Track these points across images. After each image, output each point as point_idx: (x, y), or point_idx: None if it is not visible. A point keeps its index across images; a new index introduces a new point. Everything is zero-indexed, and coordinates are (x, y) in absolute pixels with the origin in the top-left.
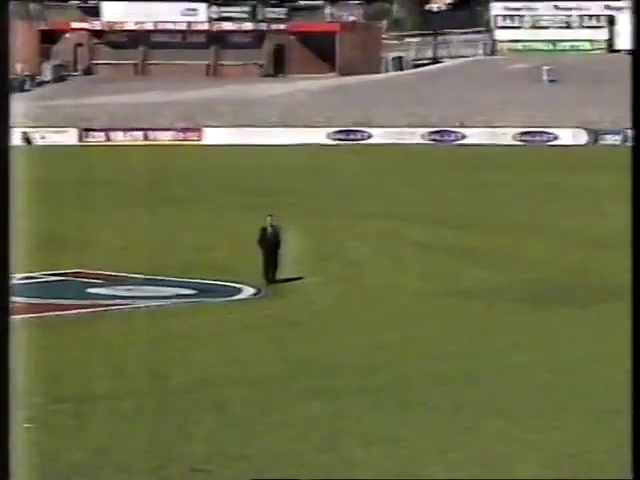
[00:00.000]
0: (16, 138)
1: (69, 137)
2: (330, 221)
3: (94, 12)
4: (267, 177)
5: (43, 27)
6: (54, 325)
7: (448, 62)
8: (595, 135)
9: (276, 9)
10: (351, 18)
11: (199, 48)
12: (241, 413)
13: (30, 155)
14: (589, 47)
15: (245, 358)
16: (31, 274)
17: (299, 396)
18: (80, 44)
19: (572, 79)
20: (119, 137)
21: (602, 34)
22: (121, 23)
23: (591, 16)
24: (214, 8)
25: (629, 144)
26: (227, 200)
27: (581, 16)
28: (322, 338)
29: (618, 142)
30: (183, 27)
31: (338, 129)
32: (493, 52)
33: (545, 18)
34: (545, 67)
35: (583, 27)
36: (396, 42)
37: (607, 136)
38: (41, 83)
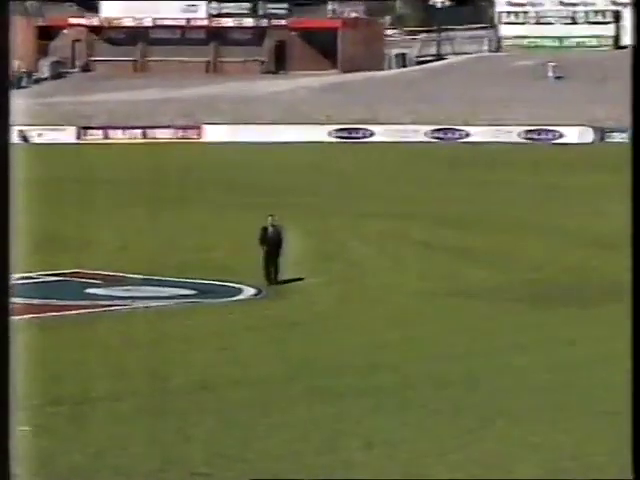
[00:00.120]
0: (13, 136)
1: (67, 135)
2: (331, 220)
3: (92, 8)
4: (268, 176)
5: (40, 23)
6: (52, 326)
7: (452, 59)
8: (601, 133)
9: (277, 5)
10: (353, 14)
11: (199, 45)
12: (241, 415)
13: (27, 153)
14: (595, 43)
15: (245, 359)
16: (29, 274)
17: (299, 397)
18: (78, 40)
19: (578, 76)
20: (118, 135)
21: (608, 30)
22: (119, 19)
23: (597, 12)
24: (214, 4)
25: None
26: (227, 199)
27: (587, 12)
28: (323, 339)
29: (625, 140)
30: (182, 23)
31: (340, 127)
32: (498, 49)
33: (550, 14)
34: (551, 64)
35: (589, 23)
36: (399, 38)
37: (614, 134)
38: (38, 80)
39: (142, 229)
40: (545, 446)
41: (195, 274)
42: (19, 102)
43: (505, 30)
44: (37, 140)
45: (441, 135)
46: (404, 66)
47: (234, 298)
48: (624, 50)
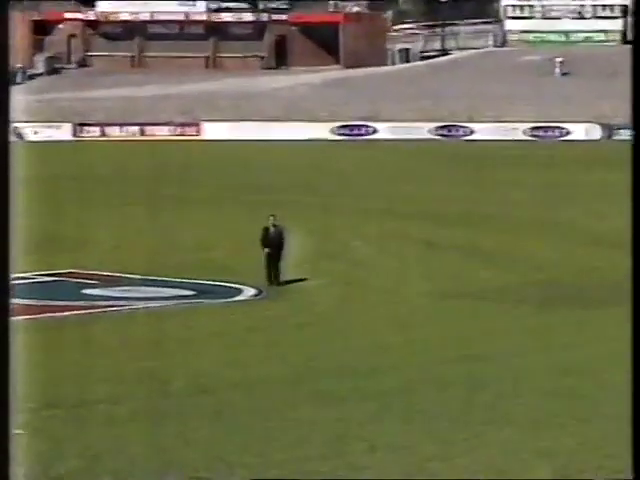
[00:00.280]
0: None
1: (63, 132)
2: (333, 220)
3: (88, 2)
4: (268, 174)
5: (35, 17)
6: (48, 327)
7: (456, 54)
8: (609, 130)
9: None
10: (355, 8)
11: (198, 40)
12: (241, 418)
13: (22, 151)
14: (603, 38)
15: (246, 361)
16: (24, 274)
17: (301, 400)
18: (74, 35)
19: (585, 72)
20: (115, 132)
21: (616, 25)
22: (116, 13)
23: (605, 6)
24: None
25: None
26: (227, 197)
27: (594, 6)
28: (325, 340)
29: None
30: (181, 18)
31: (342, 124)
32: (503, 43)
33: (557, 8)
34: (557, 59)
35: (597, 17)
36: (402, 33)
37: (622, 131)
38: (33, 76)
39: (140, 228)
40: (554, 452)
41: (194, 274)
42: (14, 99)
43: (511, 24)
44: (32, 137)
45: (445, 132)
46: (407, 61)
47: (234, 299)
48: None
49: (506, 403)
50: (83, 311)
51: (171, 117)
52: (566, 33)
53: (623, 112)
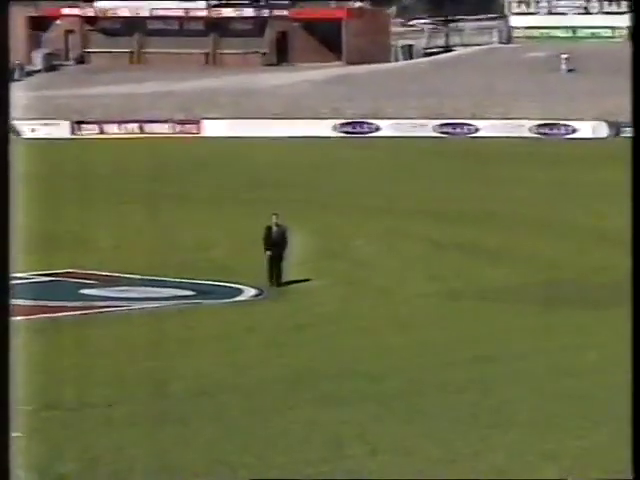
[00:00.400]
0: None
1: (60, 130)
2: (336, 218)
3: None
4: (269, 172)
5: (32, 13)
6: (44, 328)
7: (461, 50)
8: (616, 128)
9: None
10: (358, 4)
11: (198, 36)
12: (242, 421)
13: (19, 149)
14: (610, 34)
15: (246, 363)
16: (21, 274)
17: (302, 403)
18: (72, 31)
19: (592, 68)
20: (113, 130)
21: (623, 20)
22: (115, 9)
23: (611, 1)
24: None
25: None
26: (227, 196)
27: (601, 1)
28: (327, 342)
29: None
30: (181, 13)
31: (344, 121)
32: (508, 40)
33: (563, 4)
34: (563, 55)
35: (603, 13)
36: (406, 29)
37: (629, 129)
38: (31, 73)
39: (139, 227)
40: (563, 455)
41: (194, 274)
42: (10, 95)
43: (516, 20)
44: (30, 135)
45: (449, 130)
46: (411, 58)
47: (234, 299)
48: None
49: (512, 405)
50: (80, 312)
51: (171, 114)
52: (572, 29)
53: (630, 109)
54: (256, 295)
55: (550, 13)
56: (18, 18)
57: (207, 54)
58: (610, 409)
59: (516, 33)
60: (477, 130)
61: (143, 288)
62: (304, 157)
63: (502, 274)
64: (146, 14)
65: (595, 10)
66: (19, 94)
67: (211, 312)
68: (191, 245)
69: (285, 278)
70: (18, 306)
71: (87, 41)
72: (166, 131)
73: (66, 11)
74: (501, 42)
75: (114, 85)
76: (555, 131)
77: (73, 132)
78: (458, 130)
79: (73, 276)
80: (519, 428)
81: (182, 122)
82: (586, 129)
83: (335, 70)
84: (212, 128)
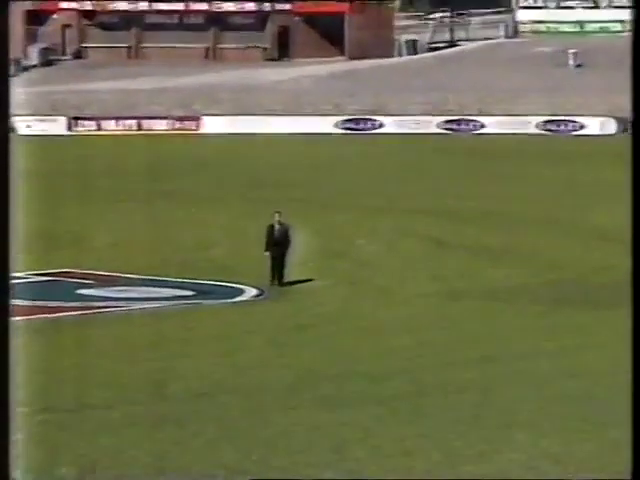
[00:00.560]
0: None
1: (57, 126)
2: (338, 217)
3: None
4: (270, 169)
5: (29, 7)
6: (41, 329)
7: (466, 45)
8: (625, 124)
9: None
10: None
11: (197, 30)
12: (242, 423)
13: (15, 145)
14: (619, 28)
15: (247, 364)
16: (17, 274)
17: (304, 405)
18: (69, 25)
19: (600, 63)
20: (111, 126)
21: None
22: (113, 3)
23: None
24: None
25: None
26: (227, 194)
27: None
28: (329, 343)
29: None
30: (180, 7)
31: (347, 118)
32: (515, 34)
33: None
34: (571, 50)
35: (612, 7)
36: (410, 23)
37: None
38: (27, 68)
39: (137, 225)
40: (569, 458)
41: (194, 274)
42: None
43: (522, 14)
44: (26, 131)
45: (454, 126)
46: (415, 53)
47: (235, 299)
48: None
49: (517, 407)
50: (77, 312)
51: (169, 110)
52: (580, 23)
53: (631, 108)
54: (257, 295)
55: (558, 7)
56: (14, 12)
57: (207, 49)
58: (614, 411)
59: (523, 27)
60: (482, 126)
61: (142, 288)
62: (305, 155)
63: (507, 274)
64: (145, 8)
65: (604, 4)
66: (15, 90)
67: (211, 312)
68: (191, 244)
69: (287, 278)
70: (14, 306)
71: (84, 35)
72: (165, 127)
73: (63, 5)
74: (507, 37)
75: (112, 80)
76: (562, 127)
77: (70, 128)
78: (463, 126)
79: (70, 276)
80: (523, 429)
81: (181, 118)
82: (594, 125)
83: (337, 65)
84: (212, 124)
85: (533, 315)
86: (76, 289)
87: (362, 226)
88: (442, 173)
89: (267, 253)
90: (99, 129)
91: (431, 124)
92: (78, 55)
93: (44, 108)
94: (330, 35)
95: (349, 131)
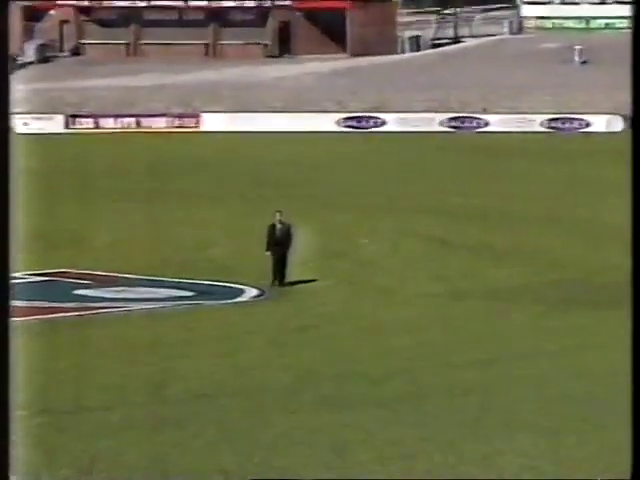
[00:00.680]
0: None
1: (54, 124)
2: (339, 216)
3: None
4: (271, 167)
5: (25, 3)
6: (37, 330)
7: (470, 42)
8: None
9: None
10: None
11: (197, 26)
12: (242, 425)
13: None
14: (626, 25)
15: (247, 366)
16: (14, 274)
17: (305, 407)
18: (66, 22)
19: (606, 60)
20: (109, 124)
21: None
22: None
23: None
24: None
25: None
26: (227, 193)
27: None
28: (330, 344)
29: None
30: (179, 3)
31: (349, 115)
32: (519, 30)
33: None
34: (577, 47)
35: (618, 3)
36: (413, 20)
37: None
38: (23, 65)
39: (136, 225)
40: (573, 460)
41: (194, 274)
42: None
43: (527, 10)
44: (22, 129)
45: (458, 124)
46: (418, 49)
47: (235, 300)
48: None
49: (520, 409)
50: (74, 313)
51: (169, 108)
52: (586, 19)
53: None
54: (258, 295)
55: (563, 3)
56: (11, 7)
57: (207, 45)
58: (619, 412)
59: (527, 23)
60: (486, 124)
61: (140, 288)
62: (306, 153)
63: (511, 273)
64: (144, 4)
65: (610, 0)
66: (11, 87)
67: (211, 313)
68: (190, 244)
69: (288, 278)
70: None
71: (82, 32)
72: (164, 125)
73: (61, 1)
74: (512, 33)
75: (110, 78)
76: (568, 125)
77: (67, 126)
78: (467, 124)
79: (67, 276)
80: (527, 433)
81: (180, 116)
82: (600, 123)
83: (339, 62)
84: (212, 122)
85: (537, 315)
86: (73, 289)
87: (364, 225)
88: (445, 172)
89: (268, 253)
90: (97, 127)
91: (434, 122)
92: (76, 52)
93: (41, 106)
94: (332, 31)
95: (351, 129)
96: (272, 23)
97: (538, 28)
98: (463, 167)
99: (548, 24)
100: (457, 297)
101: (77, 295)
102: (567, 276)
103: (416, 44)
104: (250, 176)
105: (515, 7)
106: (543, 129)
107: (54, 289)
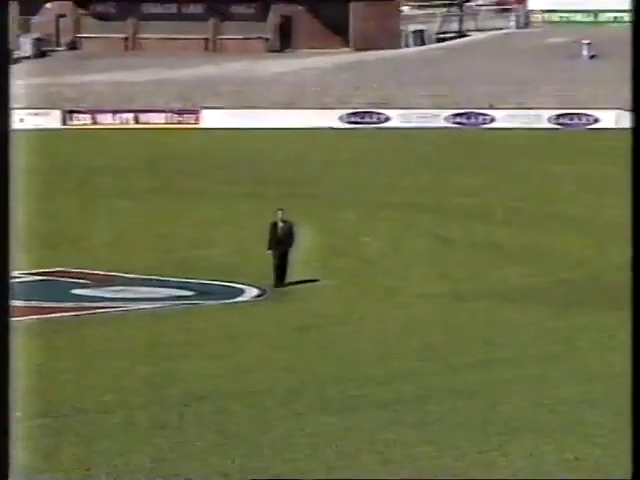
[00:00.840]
0: None
1: (51, 120)
2: (342, 214)
3: None
4: (272, 165)
5: None
6: (34, 330)
7: (476, 36)
8: None
9: None
10: None
11: (197, 20)
12: (243, 428)
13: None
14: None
15: (248, 367)
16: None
17: (307, 409)
18: (63, 15)
19: (615, 54)
20: (107, 120)
21: None
22: None
23: None
24: None
25: None
26: (228, 190)
27: None
28: (333, 345)
29: None
30: None
31: (352, 111)
32: (526, 24)
33: None
34: (585, 41)
35: None
36: (417, 13)
37: None
38: (19, 59)
39: (135, 223)
40: (581, 464)
41: (193, 273)
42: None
43: (534, 4)
44: (18, 125)
45: (463, 120)
46: (422, 44)
47: (236, 300)
48: None
49: (528, 411)
50: (71, 313)
51: (168, 103)
52: (594, 12)
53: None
54: (258, 295)
55: None
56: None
57: (207, 40)
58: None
59: (534, 17)
60: (492, 120)
61: (139, 288)
62: (309, 150)
63: (518, 273)
64: None
65: None
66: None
67: (211, 313)
68: (190, 243)
69: (289, 277)
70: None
71: (79, 26)
72: (163, 121)
73: None
74: (518, 27)
75: (108, 72)
76: (576, 121)
77: (64, 122)
78: (472, 120)
79: (64, 275)
80: (532, 435)
81: (180, 112)
82: (609, 119)
83: (342, 57)
84: (212, 118)
85: (545, 316)
86: (70, 289)
87: (367, 223)
88: (449, 168)
89: (269, 251)
90: (95, 123)
91: (439, 118)
92: (73, 46)
93: (38, 101)
94: (334, 25)
95: (354, 125)
96: (273, 17)
97: (545, 22)
98: (468, 164)
99: (555, 17)
100: (463, 297)
101: (75, 295)
102: (576, 275)
103: (420, 38)
104: (251, 173)
105: (522, 0)
106: (550, 125)
107: (51, 288)
